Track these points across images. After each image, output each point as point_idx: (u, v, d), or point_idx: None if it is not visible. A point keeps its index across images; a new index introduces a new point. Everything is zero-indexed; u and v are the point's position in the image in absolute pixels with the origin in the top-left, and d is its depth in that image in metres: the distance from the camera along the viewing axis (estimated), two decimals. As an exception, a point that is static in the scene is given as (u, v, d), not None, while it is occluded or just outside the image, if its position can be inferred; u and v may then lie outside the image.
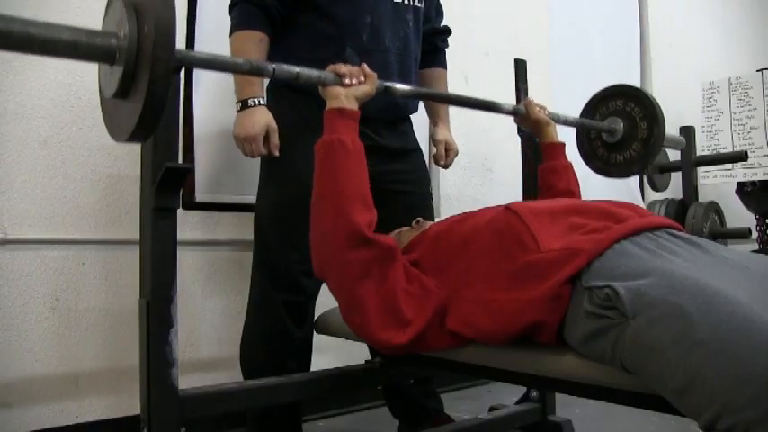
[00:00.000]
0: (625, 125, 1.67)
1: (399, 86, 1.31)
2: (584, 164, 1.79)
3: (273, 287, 1.51)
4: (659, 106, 1.62)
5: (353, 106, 1.14)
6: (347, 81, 1.14)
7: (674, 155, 3.15)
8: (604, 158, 1.72)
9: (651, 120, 1.62)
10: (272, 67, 1.08)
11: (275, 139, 1.45)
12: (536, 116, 1.54)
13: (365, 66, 1.19)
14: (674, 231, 0.99)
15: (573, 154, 1.73)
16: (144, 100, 0.77)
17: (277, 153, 1.45)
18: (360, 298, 1.05)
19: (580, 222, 1.01)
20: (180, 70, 1.06)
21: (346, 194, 1.04)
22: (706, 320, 0.73)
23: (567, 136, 1.63)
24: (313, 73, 1.13)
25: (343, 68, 1.15)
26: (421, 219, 1.40)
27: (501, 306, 0.97)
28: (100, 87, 0.90)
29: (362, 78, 1.17)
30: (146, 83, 0.76)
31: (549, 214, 1.03)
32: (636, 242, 0.93)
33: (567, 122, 1.63)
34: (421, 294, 1.06)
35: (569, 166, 1.55)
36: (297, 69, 1.10)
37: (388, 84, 1.25)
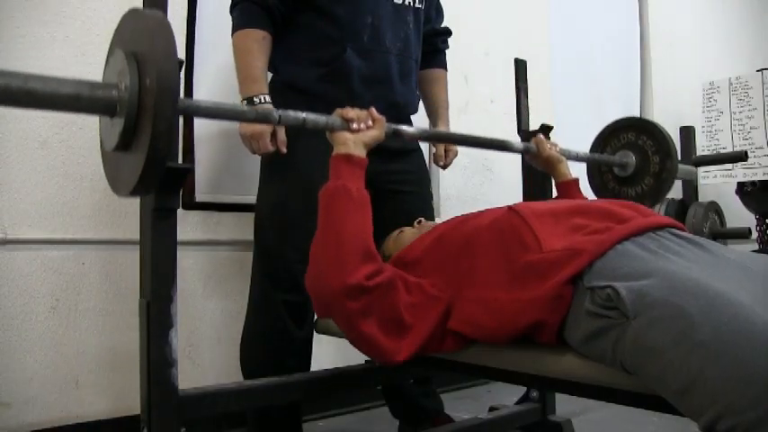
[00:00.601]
0: (637, 159, 1.63)
1: (408, 129, 1.27)
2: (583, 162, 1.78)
3: (274, 287, 1.51)
4: (672, 140, 1.59)
5: (361, 153, 1.11)
6: (355, 126, 1.12)
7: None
8: (615, 192, 1.69)
9: (664, 154, 1.58)
10: (277, 114, 1.05)
11: (282, 135, 1.45)
12: (547, 154, 1.50)
13: (373, 110, 1.16)
14: (677, 231, 0.99)
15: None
16: (146, 154, 0.75)
17: (284, 149, 1.45)
18: (365, 335, 1.02)
19: (582, 223, 1.01)
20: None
21: (347, 247, 1.01)
22: (707, 322, 0.73)
23: (575, 167, 1.61)
24: (320, 118, 1.11)
25: (351, 113, 1.12)
26: (423, 219, 1.40)
27: (502, 306, 0.97)
28: (101, 139, 0.88)
29: (371, 123, 1.14)
30: (147, 137, 0.74)
31: (551, 215, 1.03)
32: (638, 242, 0.93)
33: (578, 158, 1.60)
34: (423, 302, 1.05)
35: None
36: (303, 115, 1.07)
37: (396, 126, 1.21)
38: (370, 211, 1.08)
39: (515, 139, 1.51)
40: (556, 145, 1.54)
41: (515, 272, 0.97)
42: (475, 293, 1.02)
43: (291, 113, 1.07)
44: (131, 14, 0.83)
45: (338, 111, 1.14)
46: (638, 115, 3.58)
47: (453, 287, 1.06)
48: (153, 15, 0.79)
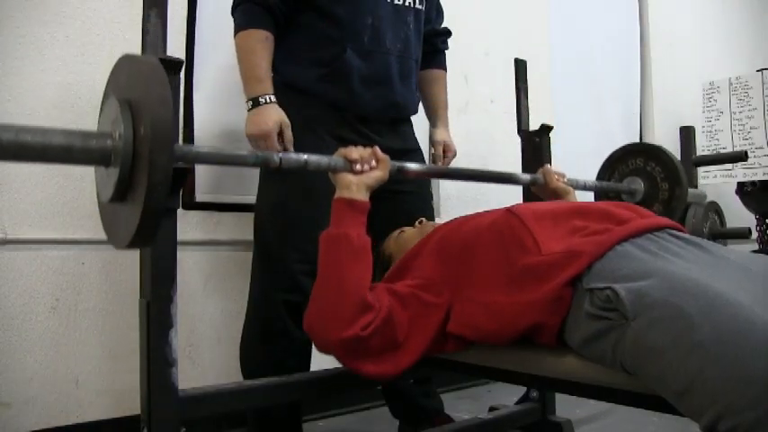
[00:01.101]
0: (645, 185, 1.63)
1: (413, 166, 1.24)
2: (583, 162, 1.78)
3: (273, 287, 1.51)
4: (681, 167, 1.58)
5: (363, 197, 1.10)
6: (358, 167, 1.10)
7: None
8: None
9: (673, 181, 1.57)
10: (278, 157, 1.03)
11: (289, 135, 1.45)
12: (554, 185, 1.49)
13: (377, 149, 1.14)
14: (676, 232, 0.99)
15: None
16: (142, 205, 0.72)
17: (292, 148, 1.45)
18: (361, 372, 1.04)
19: (581, 225, 1.01)
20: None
21: (346, 299, 1.01)
22: (707, 322, 0.73)
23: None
24: (322, 160, 1.09)
25: (355, 154, 1.10)
26: (424, 219, 1.40)
27: (502, 308, 0.98)
28: (97, 190, 0.86)
29: (374, 163, 1.12)
30: (144, 187, 0.72)
31: (551, 217, 1.03)
32: (637, 244, 0.93)
33: (586, 187, 1.59)
34: (420, 313, 1.05)
35: None
36: (305, 157, 1.06)
37: (400, 164, 1.19)
38: (370, 257, 1.08)
39: (522, 174, 1.50)
40: (563, 175, 1.52)
41: (515, 274, 0.97)
42: (474, 296, 1.02)
43: (293, 156, 1.05)
44: (125, 60, 0.81)
45: (341, 151, 1.12)
46: (639, 114, 3.59)
47: (453, 289, 1.06)
48: (147, 61, 0.77)
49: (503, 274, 0.99)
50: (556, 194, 1.50)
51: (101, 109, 0.85)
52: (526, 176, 1.50)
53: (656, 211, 1.61)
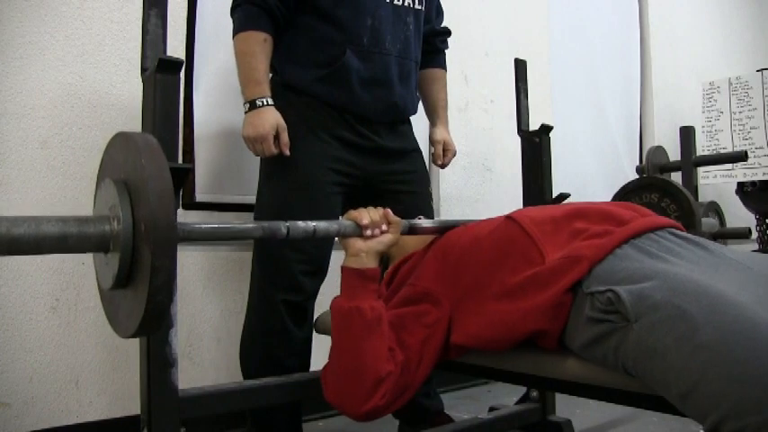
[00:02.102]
0: None
1: (425, 223, 1.18)
2: (582, 162, 1.78)
3: (273, 287, 1.51)
4: (698, 208, 1.55)
5: (373, 264, 1.06)
6: (368, 233, 1.06)
7: (674, 155, 3.15)
8: None
9: (687, 221, 1.55)
10: (285, 227, 0.97)
11: (285, 138, 1.45)
12: None
13: (389, 211, 1.10)
14: (677, 231, 0.99)
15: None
16: (146, 293, 0.68)
17: (288, 152, 1.45)
18: (394, 411, 1.05)
19: (582, 227, 1.00)
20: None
21: (364, 376, 0.99)
22: (709, 323, 0.73)
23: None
24: (332, 226, 1.04)
25: (366, 220, 1.06)
26: (422, 216, 1.39)
27: (503, 317, 0.97)
28: (97, 277, 0.82)
29: (385, 227, 1.08)
30: (147, 274, 0.68)
31: (551, 222, 1.02)
32: (637, 245, 0.93)
33: None
34: (426, 336, 1.04)
35: None
36: (313, 225, 1.01)
37: (412, 222, 1.14)
38: (385, 328, 1.03)
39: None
40: None
41: (517, 284, 0.96)
42: (476, 305, 1.01)
43: (301, 224, 1.00)
44: (118, 138, 0.78)
45: (352, 214, 1.08)
46: (639, 115, 3.59)
47: (452, 300, 1.05)
48: (142, 139, 0.74)
49: (504, 284, 0.98)
50: None
51: (96, 191, 0.80)
52: None
53: None
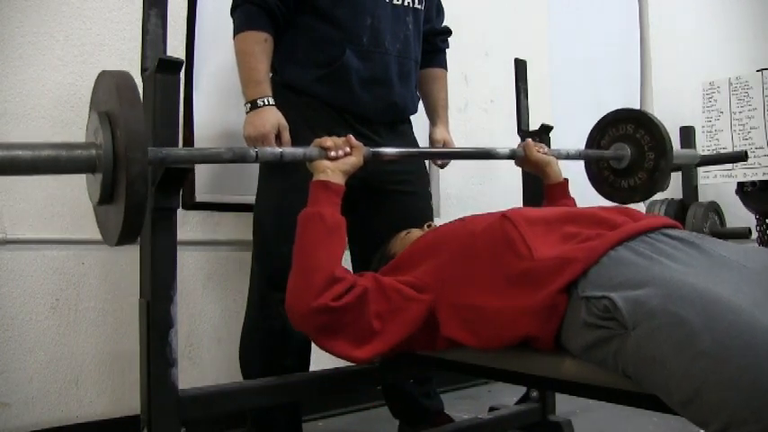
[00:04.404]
0: (632, 152, 1.61)
1: (387, 150, 1.30)
2: (582, 162, 1.77)
3: (272, 286, 1.51)
4: (669, 137, 1.57)
5: (338, 180, 1.13)
6: (333, 154, 1.14)
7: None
8: (609, 181, 1.68)
9: (659, 152, 1.56)
10: (253, 151, 1.08)
11: (287, 137, 1.46)
12: (534, 157, 1.47)
13: (351, 137, 1.18)
14: (670, 232, 0.98)
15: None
16: (125, 203, 0.80)
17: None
18: (328, 348, 1.07)
19: (574, 231, 1.01)
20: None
21: (316, 274, 1.05)
22: (707, 329, 0.72)
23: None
24: (297, 151, 1.15)
25: (329, 142, 1.15)
26: (432, 223, 1.40)
27: (495, 313, 0.98)
28: (89, 195, 0.93)
29: (348, 150, 1.16)
30: (124, 187, 0.80)
31: (543, 224, 1.04)
32: (631, 247, 0.92)
33: (569, 156, 1.58)
34: (399, 305, 1.07)
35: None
36: (280, 150, 1.12)
37: (375, 150, 1.23)
38: (343, 235, 1.12)
39: (501, 146, 1.49)
40: (543, 146, 1.51)
41: (507, 279, 0.98)
42: (468, 300, 1.03)
43: (269, 150, 1.13)
44: (100, 76, 0.90)
45: (316, 141, 1.17)
46: (638, 115, 3.58)
47: (441, 291, 1.06)
48: (119, 74, 0.85)
49: (496, 279, 0.99)
50: (537, 166, 1.49)
51: (87, 123, 0.92)
52: (505, 150, 1.49)
53: (641, 179, 1.60)
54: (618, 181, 1.66)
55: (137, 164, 0.80)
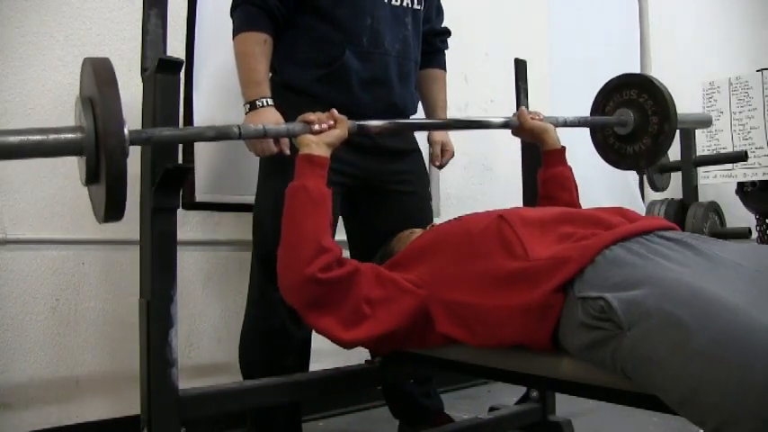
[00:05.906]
0: (636, 117, 1.58)
1: (372, 123, 1.29)
2: (581, 163, 1.77)
3: (272, 285, 1.50)
4: (673, 102, 1.55)
5: (323, 153, 1.14)
6: (316, 128, 1.15)
7: (674, 155, 3.15)
8: (615, 148, 1.65)
9: (663, 116, 1.54)
10: (236, 128, 1.08)
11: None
12: (530, 125, 1.44)
13: (334, 111, 1.19)
14: (665, 234, 0.98)
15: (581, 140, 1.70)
16: (106, 178, 0.84)
17: (288, 151, 1.45)
18: (321, 327, 1.09)
19: (569, 231, 1.02)
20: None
21: (304, 244, 1.07)
22: (703, 329, 0.72)
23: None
24: (281, 127, 1.17)
25: (312, 116, 1.16)
26: (436, 224, 1.40)
27: (490, 311, 0.99)
28: (80, 177, 0.96)
29: (332, 123, 1.17)
30: (105, 166, 0.84)
31: (539, 224, 1.04)
32: (626, 247, 0.92)
33: (567, 123, 1.55)
34: (393, 295, 1.08)
35: (570, 176, 1.49)
36: (262, 126, 1.13)
37: (359, 123, 1.23)
38: (328, 207, 1.13)
39: (494, 118, 1.48)
40: (539, 114, 1.48)
41: (504, 279, 0.98)
42: (464, 299, 1.04)
43: (252, 127, 1.12)
44: (83, 63, 0.95)
45: (299, 117, 1.18)
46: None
47: (436, 289, 1.07)
48: (98, 61, 0.91)
49: (492, 278, 1.00)
50: (533, 133, 1.46)
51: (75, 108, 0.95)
52: (499, 119, 1.47)
53: (645, 145, 1.58)
54: (623, 147, 1.63)
55: (113, 137, 0.83)
